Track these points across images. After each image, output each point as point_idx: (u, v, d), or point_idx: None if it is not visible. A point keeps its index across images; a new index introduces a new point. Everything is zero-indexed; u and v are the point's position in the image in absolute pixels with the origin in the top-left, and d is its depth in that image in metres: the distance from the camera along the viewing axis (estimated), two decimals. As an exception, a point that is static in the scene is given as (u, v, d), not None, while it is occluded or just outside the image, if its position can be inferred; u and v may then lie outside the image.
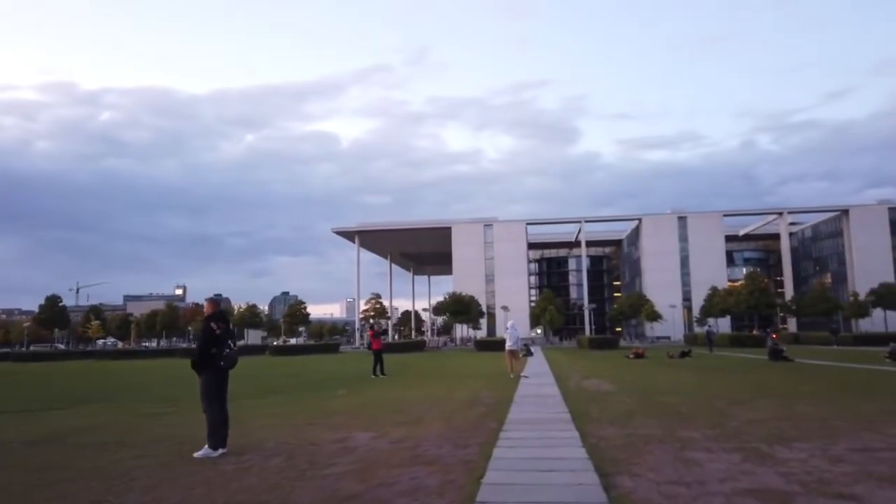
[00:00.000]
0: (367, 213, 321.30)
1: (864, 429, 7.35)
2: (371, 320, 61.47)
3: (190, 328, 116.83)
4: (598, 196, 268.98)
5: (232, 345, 7.09)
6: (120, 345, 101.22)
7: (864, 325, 73.54)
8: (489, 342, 53.90)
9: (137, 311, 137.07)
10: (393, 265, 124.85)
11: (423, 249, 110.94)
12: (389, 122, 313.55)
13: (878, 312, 74.15)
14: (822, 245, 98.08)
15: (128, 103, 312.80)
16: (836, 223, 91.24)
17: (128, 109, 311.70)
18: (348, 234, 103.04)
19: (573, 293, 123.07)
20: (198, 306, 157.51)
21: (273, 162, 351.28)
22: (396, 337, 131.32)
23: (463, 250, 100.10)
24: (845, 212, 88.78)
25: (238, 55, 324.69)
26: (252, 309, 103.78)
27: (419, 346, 64.37)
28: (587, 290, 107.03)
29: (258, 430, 8.51)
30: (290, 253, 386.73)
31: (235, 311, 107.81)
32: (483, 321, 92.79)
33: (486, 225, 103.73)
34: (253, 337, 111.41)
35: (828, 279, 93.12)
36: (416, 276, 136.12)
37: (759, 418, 8.51)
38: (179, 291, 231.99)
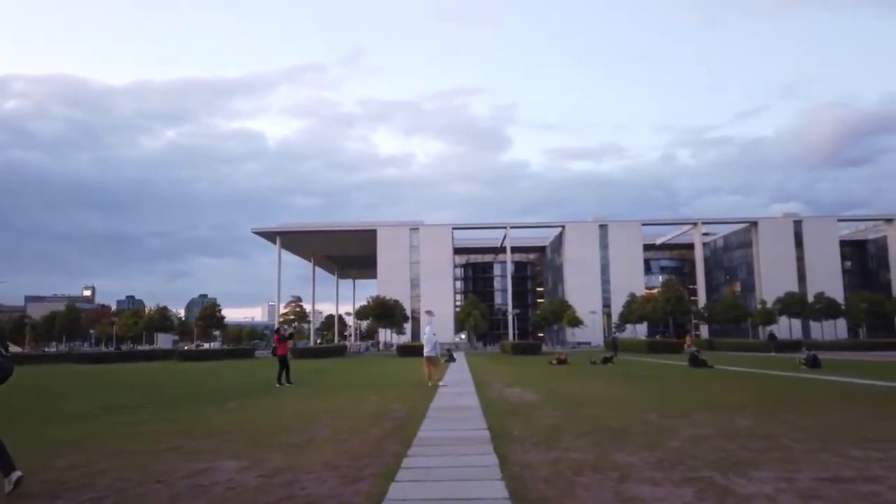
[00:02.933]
0: (297, 215, 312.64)
1: (821, 450, 6.40)
2: (278, 324, 58.58)
3: (92, 331, 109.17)
4: (525, 204, 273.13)
5: (3, 351, 5.46)
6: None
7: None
8: (411, 347, 52.42)
9: (38, 312, 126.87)
10: (317, 268, 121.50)
11: (349, 252, 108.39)
12: (319, 122, 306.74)
13: (783, 320, 77.86)
14: (733, 255, 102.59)
15: (37, 91, 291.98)
16: (746, 234, 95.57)
17: (37, 98, 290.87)
18: (269, 235, 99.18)
19: (498, 298, 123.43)
20: (103, 307, 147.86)
21: (196, 159, 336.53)
22: (319, 342, 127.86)
23: (388, 254, 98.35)
24: (754, 224, 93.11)
25: (160, 46, 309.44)
26: (162, 312, 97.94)
27: (339, 352, 62.13)
28: (511, 295, 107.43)
29: (104, 459, 6.73)
30: (212, 254, 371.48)
31: (146, 313, 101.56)
32: (407, 326, 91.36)
33: (412, 229, 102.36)
34: (164, 341, 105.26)
35: (738, 288, 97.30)
36: (341, 280, 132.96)
37: (700, 435, 7.49)
38: (88, 292, 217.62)
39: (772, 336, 47.01)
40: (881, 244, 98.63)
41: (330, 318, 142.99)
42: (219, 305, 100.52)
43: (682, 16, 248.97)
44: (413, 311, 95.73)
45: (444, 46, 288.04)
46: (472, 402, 12.15)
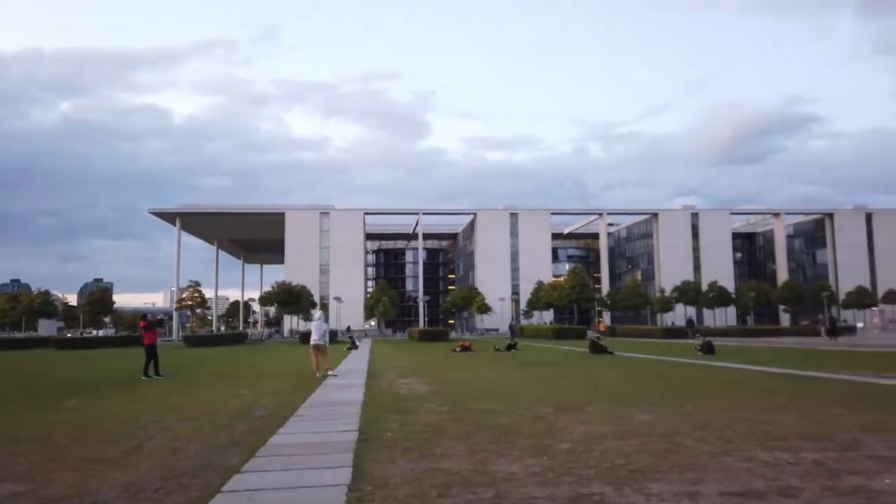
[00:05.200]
0: (205, 196, 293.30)
1: (725, 452, 5.64)
2: (183, 309, 55.01)
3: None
4: (442, 191, 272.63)
5: None
6: None
7: (668, 319, 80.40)
8: (309, 334, 50.64)
9: None
10: (223, 253, 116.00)
11: (256, 236, 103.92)
12: (230, 100, 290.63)
13: (679, 307, 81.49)
14: (636, 245, 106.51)
15: None
16: (648, 225, 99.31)
17: None
18: (168, 216, 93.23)
19: (409, 285, 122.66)
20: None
21: (94, 134, 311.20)
22: (223, 329, 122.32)
23: (297, 238, 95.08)
24: (655, 215, 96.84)
25: (56, 12, 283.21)
26: (44, 296, 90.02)
27: (240, 339, 59.13)
28: (422, 282, 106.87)
29: None
30: (111, 236, 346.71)
31: (26, 298, 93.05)
32: (315, 312, 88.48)
33: (322, 213, 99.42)
34: (47, 328, 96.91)
35: (639, 276, 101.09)
36: (247, 265, 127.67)
37: (594, 434, 6.62)
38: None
39: (690, 322, 48.33)
40: (769, 237, 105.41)
41: (236, 304, 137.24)
42: (109, 290, 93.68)
43: (595, 12, 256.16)
44: (322, 298, 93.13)
45: (363, 28, 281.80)
46: (355, 396, 10.93)
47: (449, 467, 5.25)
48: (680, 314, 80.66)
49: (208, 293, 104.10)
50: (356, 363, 21.21)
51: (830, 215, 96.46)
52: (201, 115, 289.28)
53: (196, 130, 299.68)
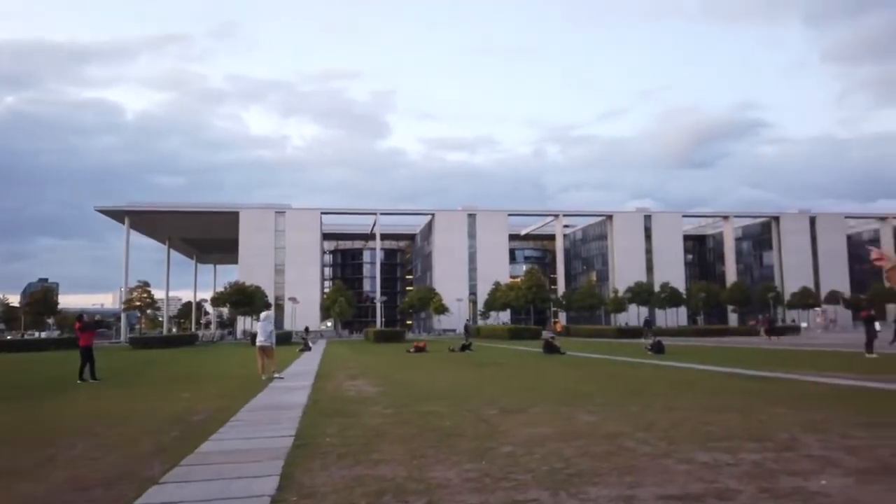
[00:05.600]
0: (158, 194, 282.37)
1: (666, 453, 5.57)
2: (128, 309, 53.22)
3: None
4: (401, 192, 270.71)
5: None
6: None
7: (622, 319, 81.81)
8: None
9: None
10: (176, 252, 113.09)
11: (209, 235, 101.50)
12: (185, 96, 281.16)
13: (632, 307, 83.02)
14: (591, 246, 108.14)
15: None
16: (602, 227, 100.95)
17: None
18: (117, 215, 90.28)
19: (367, 286, 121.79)
20: None
21: (41, 129, 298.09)
22: (174, 329, 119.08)
23: (251, 238, 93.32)
24: (610, 217, 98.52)
25: (4, 3, 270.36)
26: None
27: (190, 341, 57.52)
28: (380, 282, 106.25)
29: None
30: (59, 235, 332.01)
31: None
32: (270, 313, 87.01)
33: (277, 212, 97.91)
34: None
35: (594, 277, 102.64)
36: (201, 265, 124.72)
37: (538, 437, 6.49)
38: None
39: (647, 323, 49.28)
40: (718, 239, 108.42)
41: (188, 305, 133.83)
42: (53, 290, 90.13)
43: (552, 16, 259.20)
44: (277, 298, 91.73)
45: (323, 27, 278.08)
46: (298, 399, 10.59)
47: (383, 474, 5.03)
48: (633, 314, 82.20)
49: (159, 294, 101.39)
50: (306, 365, 20.76)
51: (777, 218, 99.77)
52: (155, 110, 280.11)
53: (149, 126, 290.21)
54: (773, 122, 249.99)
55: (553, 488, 4.46)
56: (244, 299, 79.37)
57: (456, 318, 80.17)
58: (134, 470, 5.44)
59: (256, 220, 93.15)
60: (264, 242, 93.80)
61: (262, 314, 16.32)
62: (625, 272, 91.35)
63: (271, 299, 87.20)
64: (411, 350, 27.81)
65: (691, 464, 5.12)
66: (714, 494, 4.21)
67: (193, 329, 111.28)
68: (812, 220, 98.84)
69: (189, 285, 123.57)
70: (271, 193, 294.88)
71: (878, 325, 21.77)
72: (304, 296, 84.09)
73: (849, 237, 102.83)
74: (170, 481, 4.97)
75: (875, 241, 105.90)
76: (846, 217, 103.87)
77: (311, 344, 35.02)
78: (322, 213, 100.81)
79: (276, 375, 14.87)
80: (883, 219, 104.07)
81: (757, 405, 8.61)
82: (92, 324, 16.06)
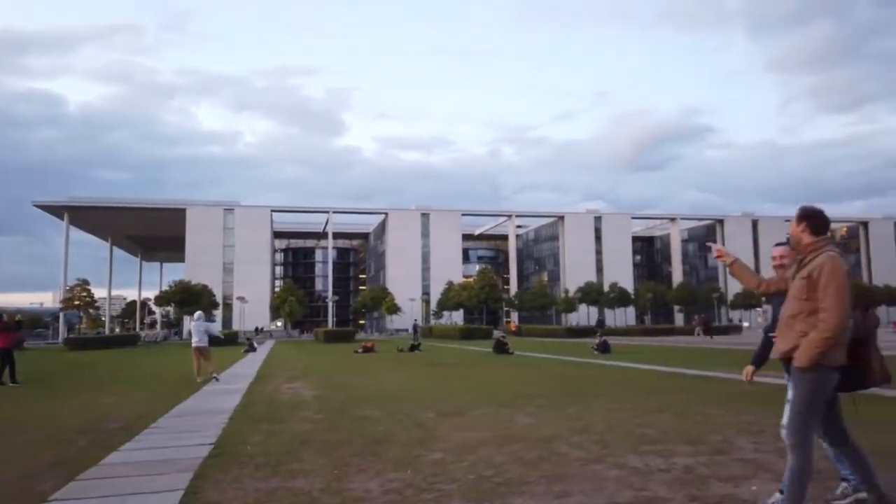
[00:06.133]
0: (103, 190, 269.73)
1: (598, 458, 5.40)
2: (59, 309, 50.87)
3: None
4: (356, 190, 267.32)
5: None
6: None
7: (573, 319, 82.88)
8: (211, 336, 48.27)
9: None
10: (119, 250, 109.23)
11: (154, 233, 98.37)
12: (132, 90, 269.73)
13: (583, 307, 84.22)
14: (543, 247, 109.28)
15: None
16: (554, 228, 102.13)
17: None
18: (55, 210, 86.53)
19: (319, 285, 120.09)
20: None
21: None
22: (117, 330, 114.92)
23: (199, 235, 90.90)
24: (561, 218, 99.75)
25: None
26: None
27: (131, 341, 55.48)
28: (332, 282, 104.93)
29: None
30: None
31: None
32: (218, 313, 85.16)
33: (226, 209, 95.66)
34: None
35: (545, 277, 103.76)
36: (146, 263, 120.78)
37: (470, 442, 6.24)
38: None
39: (600, 323, 49.95)
40: (666, 241, 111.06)
41: (133, 304, 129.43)
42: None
43: (507, 19, 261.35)
44: (225, 298, 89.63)
45: (278, 22, 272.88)
46: (229, 403, 10.09)
47: (300, 486, 4.69)
48: (584, 314, 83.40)
49: (101, 292, 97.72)
50: (247, 367, 20.11)
51: (721, 221, 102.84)
52: (100, 103, 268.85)
53: (94, 120, 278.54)
54: (719, 128, 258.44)
55: (477, 499, 4.21)
56: (190, 298, 77.10)
57: (409, 317, 79.74)
58: (24, 486, 4.94)
59: (204, 218, 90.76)
60: (212, 240, 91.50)
61: (195, 314, 15.68)
62: (576, 272, 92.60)
63: (219, 298, 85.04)
64: (359, 350, 27.33)
65: (622, 469, 4.95)
66: (642, 503, 4.04)
67: (138, 329, 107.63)
68: (754, 223, 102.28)
69: (134, 284, 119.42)
70: (222, 191, 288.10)
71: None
72: (253, 295, 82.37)
73: (789, 239, 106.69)
74: (60, 499, 4.52)
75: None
76: (786, 220, 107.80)
77: (256, 345, 34.09)
78: (273, 210, 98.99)
79: (214, 377, 14.27)
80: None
81: (693, 406, 8.60)
82: (11, 324, 15.10)
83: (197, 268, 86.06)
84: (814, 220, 3.52)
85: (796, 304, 3.43)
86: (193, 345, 14.65)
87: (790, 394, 3.45)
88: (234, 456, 5.84)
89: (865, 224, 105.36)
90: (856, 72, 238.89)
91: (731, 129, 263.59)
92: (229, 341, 47.99)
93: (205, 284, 79.03)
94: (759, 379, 11.95)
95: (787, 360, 3.48)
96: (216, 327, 77.28)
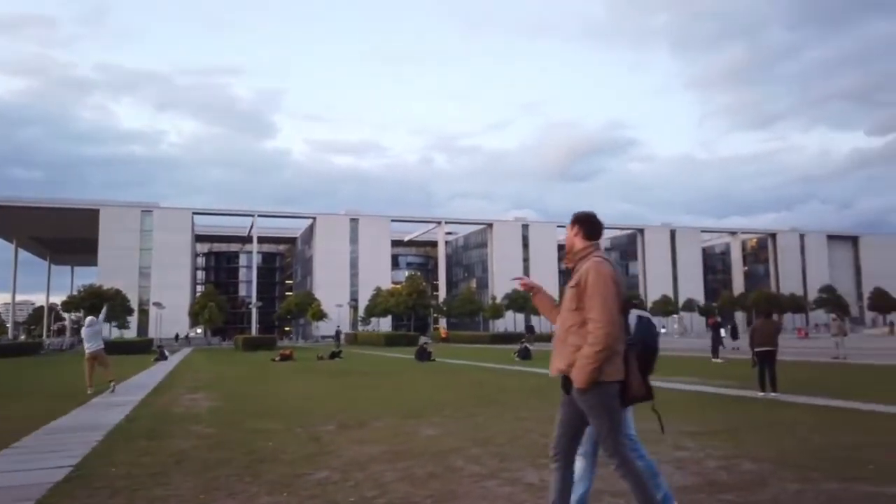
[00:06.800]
0: (12, 188, 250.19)
1: (493, 473, 5.10)
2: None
3: None
4: (286, 194, 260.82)
5: None
6: None
7: (501, 325, 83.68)
8: (121, 343, 45.81)
9: None
10: (26, 252, 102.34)
11: (65, 234, 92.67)
12: (47, 84, 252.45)
13: (510, 314, 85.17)
14: (472, 254, 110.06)
15: None
16: (483, 235, 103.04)
17: None
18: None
19: (243, 290, 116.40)
20: None
21: None
22: (22, 336, 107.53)
23: (113, 238, 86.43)
24: (490, 225, 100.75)
25: None
26: None
27: (33, 349, 51.70)
28: (256, 287, 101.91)
29: None
30: None
31: None
32: (132, 319, 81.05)
33: (144, 210, 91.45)
34: None
35: (474, 284, 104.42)
36: (56, 266, 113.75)
37: (363, 458, 5.83)
38: None
39: (530, 329, 50.43)
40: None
41: (40, 310, 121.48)
42: None
43: (437, 27, 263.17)
44: (142, 303, 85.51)
45: (204, 18, 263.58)
46: (113, 418, 9.24)
47: (155, 515, 4.14)
48: (510, 321, 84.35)
49: (4, 297, 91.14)
50: (152, 376, 18.90)
51: (642, 231, 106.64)
52: (10, 98, 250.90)
53: (3, 114, 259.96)
54: (642, 141, 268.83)
55: (349, 526, 3.81)
56: (100, 304, 73.07)
57: (335, 324, 78.36)
58: None
59: (120, 219, 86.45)
60: (128, 243, 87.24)
61: (87, 319, 14.53)
62: (504, 279, 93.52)
63: (134, 304, 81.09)
64: (276, 359, 26.33)
65: (515, 486, 4.67)
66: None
67: (44, 336, 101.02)
68: (672, 234, 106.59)
69: (44, 288, 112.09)
70: (143, 192, 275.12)
71: (723, 332, 23.29)
72: (172, 301, 78.86)
73: (704, 250, 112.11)
74: None
75: (726, 253, 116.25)
76: (702, 231, 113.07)
77: (168, 353, 32.36)
78: (194, 213, 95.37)
79: (112, 385, 13.21)
80: (733, 233, 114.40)
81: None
82: None
83: (111, 272, 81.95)
84: (587, 224, 3.28)
85: (568, 315, 3.15)
86: (87, 352, 13.51)
87: (561, 413, 3.20)
88: (91, 480, 5.20)
89: (774, 236, 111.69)
90: (767, 91, 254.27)
91: (654, 143, 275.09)
92: (140, 349, 45.60)
93: (118, 289, 75.17)
94: (664, 385, 12.10)
95: (566, 378, 3.15)
96: (117, 332, 73.38)
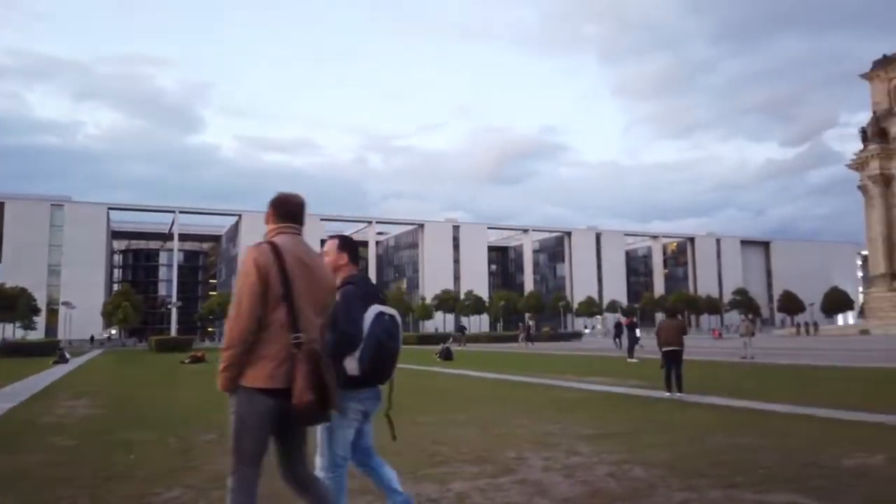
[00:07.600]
0: None
1: (367, 489, 4.63)
2: None
3: None
4: (213, 191, 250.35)
5: None
6: None
7: (431, 326, 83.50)
8: (23, 345, 42.75)
9: None
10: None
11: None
12: None
13: (439, 315, 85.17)
14: (403, 254, 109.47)
15: None
16: (414, 235, 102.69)
17: None
18: None
19: (163, 290, 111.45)
20: None
21: None
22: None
23: (19, 233, 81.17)
24: (421, 226, 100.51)
25: None
26: None
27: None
28: (177, 286, 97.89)
29: None
30: None
31: None
32: (39, 319, 76.22)
33: (54, 205, 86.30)
34: None
35: (404, 284, 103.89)
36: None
37: (223, 475, 5.23)
38: None
39: (462, 329, 50.09)
40: (519, 251, 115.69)
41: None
42: None
43: (371, 26, 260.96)
44: (51, 302, 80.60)
45: (126, 4, 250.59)
46: (-35, 429, 8.23)
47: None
48: (440, 321, 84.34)
49: None
50: (41, 380, 17.39)
51: (569, 234, 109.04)
52: None
53: None
54: (572, 147, 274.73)
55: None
56: (4, 303, 68.50)
57: (259, 325, 76.11)
58: None
59: (26, 214, 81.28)
60: (36, 239, 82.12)
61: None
62: (434, 280, 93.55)
63: (42, 303, 76.32)
64: (186, 361, 24.97)
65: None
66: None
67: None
68: (598, 236, 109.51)
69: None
70: (56, 185, 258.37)
71: (638, 332, 23.72)
72: (84, 300, 74.66)
73: (627, 253, 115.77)
74: None
75: (648, 256, 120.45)
76: (626, 234, 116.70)
77: (68, 355, 30.24)
78: (110, 208, 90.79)
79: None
80: (655, 237, 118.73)
81: (503, 416, 8.21)
82: None
83: (16, 269, 76.99)
84: (275, 204, 2.95)
85: None
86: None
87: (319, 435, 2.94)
88: None
89: (692, 240, 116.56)
90: (689, 102, 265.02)
91: (583, 149, 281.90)
92: (43, 351, 42.62)
93: (23, 288, 70.57)
94: (575, 385, 12.02)
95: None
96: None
